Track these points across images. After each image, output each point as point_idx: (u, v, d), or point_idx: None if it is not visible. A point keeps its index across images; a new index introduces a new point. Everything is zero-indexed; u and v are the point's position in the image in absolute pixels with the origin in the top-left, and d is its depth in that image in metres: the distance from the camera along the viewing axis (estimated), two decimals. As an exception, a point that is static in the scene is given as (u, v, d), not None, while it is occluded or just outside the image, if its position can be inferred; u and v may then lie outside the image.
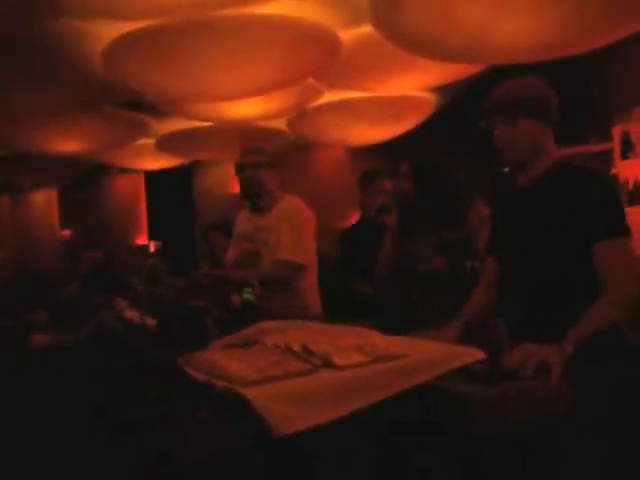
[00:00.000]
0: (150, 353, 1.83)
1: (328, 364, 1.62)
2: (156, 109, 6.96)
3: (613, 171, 5.64)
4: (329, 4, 4.56)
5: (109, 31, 4.52)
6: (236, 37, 4.44)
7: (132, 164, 9.88)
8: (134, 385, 1.65)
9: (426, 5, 4.13)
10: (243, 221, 3.71)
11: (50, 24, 4.43)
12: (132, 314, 2.22)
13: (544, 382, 1.69)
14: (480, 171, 5.23)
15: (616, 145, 5.71)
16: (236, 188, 10.49)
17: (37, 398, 2.02)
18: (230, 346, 1.92)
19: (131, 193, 11.72)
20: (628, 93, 5.68)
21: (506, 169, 2.39)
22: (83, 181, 11.37)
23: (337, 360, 1.63)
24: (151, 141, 8.37)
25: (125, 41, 4.50)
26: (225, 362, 1.64)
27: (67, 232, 12.14)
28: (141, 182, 11.59)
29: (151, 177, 11.14)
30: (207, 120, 7.17)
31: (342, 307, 3.84)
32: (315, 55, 4.90)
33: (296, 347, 1.72)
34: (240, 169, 3.55)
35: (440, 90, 6.77)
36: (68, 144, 7.64)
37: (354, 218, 8.28)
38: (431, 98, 7.03)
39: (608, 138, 5.84)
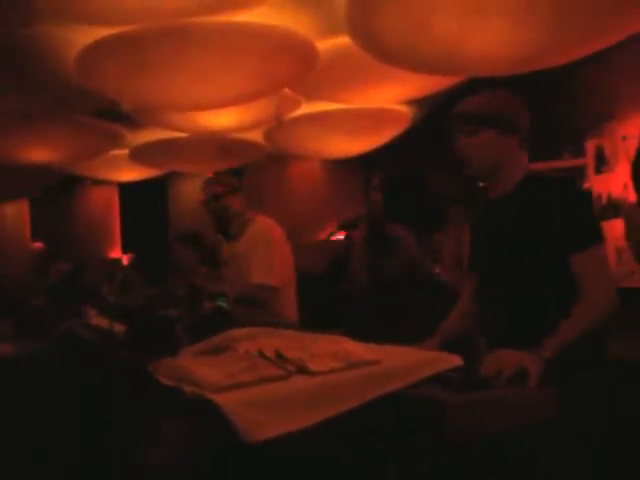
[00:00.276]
0: (118, 358, 1.77)
1: (302, 370, 1.58)
2: (131, 119, 6.88)
3: (586, 185, 5.68)
4: (306, 13, 4.55)
5: (83, 37, 4.45)
6: (212, 45, 4.40)
7: (106, 175, 9.75)
8: (102, 390, 1.59)
9: (402, 16, 4.13)
10: (225, 249, 3.83)
11: (23, 29, 4.36)
12: (100, 321, 2.16)
13: (520, 389, 1.67)
14: (461, 185, 5.25)
15: (590, 160, 5.76)
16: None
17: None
18: (201, 353, 1.87)
19: (104, 205, 11.59)
20: (599, 108, 5.74)
21: (481, 183, 2.39)
22: (55, 192, 11.22)
23: (311, 366, 1.59)
24: (125, 152, 8.27)
25: (100, 47, 4.44)
26: (195, 368, 1.59)
27: (38, 244, 11.96)
28: (115, 194, 11.47)
29: (125, 189, 11.03)
30: (182, 130, 7.10)
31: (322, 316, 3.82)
32: (292, 64, 4.88)
33: (269, 353, 1.68)
34: (205, 204, 3.70)
35: (417, 103, 6.79)
36: (40, 153, 7.50)
37: (327, 231, 8.30)
38: (408, 111, 7.05)
39: (582, 153, 5.89)
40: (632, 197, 3.89)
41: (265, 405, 1.42)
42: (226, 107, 5.85)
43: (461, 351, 1.87)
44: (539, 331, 1.85)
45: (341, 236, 7.76)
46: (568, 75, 5.26)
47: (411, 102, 6.73)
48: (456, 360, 1.68)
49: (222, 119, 6.40)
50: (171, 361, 1.72)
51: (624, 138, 5.44)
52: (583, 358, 1.89)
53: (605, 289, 1.93)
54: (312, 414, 1.44)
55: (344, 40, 4.70)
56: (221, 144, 7.50)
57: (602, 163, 5.69)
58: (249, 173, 8.56)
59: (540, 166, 4.91)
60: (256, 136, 7.65)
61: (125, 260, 10.74)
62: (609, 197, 5.56)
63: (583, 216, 1.99)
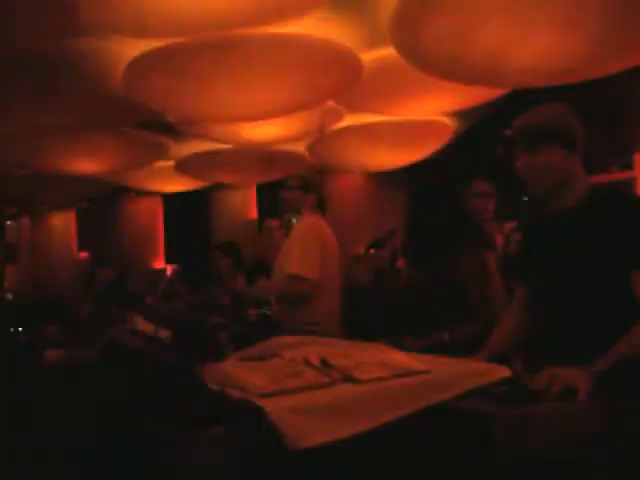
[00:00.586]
0: (163, 363, 1.78)
1: (348, 378, 1.56)
2: (175, 131, 6.97)
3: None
4: (350, 24, 4.55)
5: (130, 50, 4.53)
6: (257, 57, 4.44)
7: (150, 186, 9.91)
8: (147, 396, 1.59)
9: (447, 27, 4.11)
10: None
11: (71, 43, 4.45)
12: (146, 326, 2.18)
13: (570, 403, 1.62)
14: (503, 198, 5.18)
15: (638, 172, 5.64)
16: (253, 212, 10.55)
17: (52, 407, 1.98)
18: (246, 360, 1.86)
19: (149, 216, 11.74)
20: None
21: (525, 198, 2.33)
22: (101, 203, 11.42)
23: (357, 374, 1.56)
24: (170, 163, 8.39)
25: (146, 60, 4.51)
26: (240, 373, 1.58)
27: (84, 254, 12.16)
28: (159, 205, 11.62)
29: (169, 200, 11.17)
30: (226, 142, 7.17)
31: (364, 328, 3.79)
32: (336, 76, 4.89)
33: (315, 361, 1.66)
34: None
35: (460, 115, 6.74)
36: (87, 165, 7.65)
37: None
38: (450, 123, 6.99)
39: (630, 166, 5.78)
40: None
41: (311, 412, 1.40)
42: (270, 119, 5.88)
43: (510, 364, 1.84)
44: (597, 345, 1.81)
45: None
46: (615, 88, 5.17)
47: (453, 114, 6.68)
48: (505, 372, 1.64)
49: (266, 131, 6.44)
50: (216, 366, 1.72)
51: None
52: (635, 373, 1.84)
53: None
54: (358, 423, 1.41)
55: (388, 52, 4.70)
56: (265, 156, 7.54)
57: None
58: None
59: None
60: (299, 148, 7.68)
61: (169, 270, 10.85)
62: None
63: None
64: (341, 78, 4.94)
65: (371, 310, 4.27)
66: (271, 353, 1.87)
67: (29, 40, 4.19)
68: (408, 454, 1.53)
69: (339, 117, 6.48)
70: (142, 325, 2.19)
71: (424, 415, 1.49)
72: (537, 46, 4.21)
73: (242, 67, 4.51)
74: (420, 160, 7.47)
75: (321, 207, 3.52)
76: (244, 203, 10.56)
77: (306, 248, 3.27)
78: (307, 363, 1.67)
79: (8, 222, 13.00)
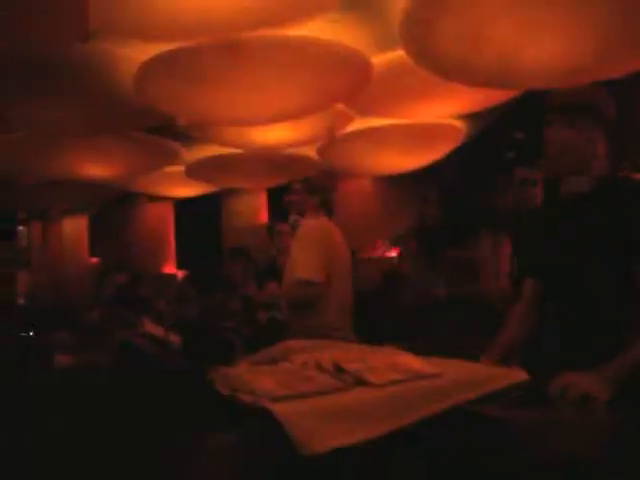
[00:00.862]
0: (173, 367, 1.76)
1: (360, 382, 1.53)
2: (186, 135, 6.97)
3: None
4: (360, 27, 4.53)
5: (139, 53, 4.53)
6: (267, 60, 4.43)
7: (161, 191, 9.92)
8: (156, 398, 1.57)
9: (457, 28, 4.09)
10: None
11: (81, 46, 4.45)
12: (156, 330, 2.16)
13: (587, 411, 1.59)
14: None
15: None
16: (264, 217, 10.52)
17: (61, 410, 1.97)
18: (257, 364, 1.84)
19: (160, 221, 11.75)
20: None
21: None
22: (112, 209, 11.45)
23: (370, 378, 1.54)
24: (180, 168, 8.38)
25: (156, 63, 4.50)
26: (251, 377, 1.56)
27: (95, 260, 12.19)
28: (170, 210, 11.63)
29: (180, 205, 11.17)
30: (236, 146, 7.15)
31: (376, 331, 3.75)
32: (346, 79, 4.87)
33: (326, 365, 1.64)
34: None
35: (471, 118, 6.70)
36: (97, 170, 7.65)
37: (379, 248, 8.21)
38: (462, 126, 6.95)
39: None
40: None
41: (323, 416, 1.38)
42: (280, 122, 5.86)
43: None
44: (611, 341, 1.77)
45: (393, 253, 7.70)
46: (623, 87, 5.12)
47: (464, 117, 6.64)
48: (522, 375, 1.61)
49: (276, 134, 6.42)
50: (226, 371, 1.70)
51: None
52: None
53: None
54: (372, 427, 1.39)
55: (398, 54, 4.68)
56: (274, 160, 7.50)
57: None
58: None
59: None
60: (309, 151, 7.65)
61: (179, 275, 10.84)
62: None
63: None
64: (351, 81, 4.92)
65: (380, 313, 4.25)
66: (282, 357, 1.85)
67: (38, 45, 4.20)
68: (424, 458, 1.50)
69: (349, 121, 6.45)
70: (152, 329, 2.18)
71: (440, 419, 1.46)
72: (549, 47, 4.17)
73: (252, 70, 4.49)
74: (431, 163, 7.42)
75: (327, 208, 3.49)
76: (255, 208, 10.54)
77: (309, 251, 3.23)
78: (319, 367, 1.65)
79: (20, 227, 13.04)
